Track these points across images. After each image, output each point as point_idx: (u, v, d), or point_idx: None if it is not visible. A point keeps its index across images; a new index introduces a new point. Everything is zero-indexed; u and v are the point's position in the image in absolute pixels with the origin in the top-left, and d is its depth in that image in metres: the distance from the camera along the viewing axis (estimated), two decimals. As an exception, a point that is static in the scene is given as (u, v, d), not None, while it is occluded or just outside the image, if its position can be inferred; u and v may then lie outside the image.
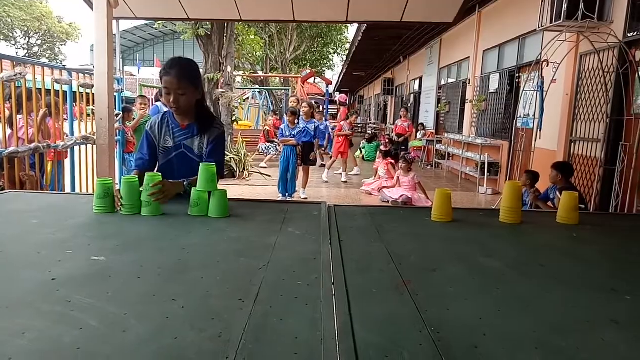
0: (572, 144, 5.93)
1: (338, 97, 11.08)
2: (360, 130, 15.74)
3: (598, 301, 1.16)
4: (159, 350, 0.84)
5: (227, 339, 0.88)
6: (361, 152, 12.78)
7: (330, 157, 9.64)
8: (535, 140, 5.85)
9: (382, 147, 9.20)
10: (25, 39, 40.80)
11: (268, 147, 11.39)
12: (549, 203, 4.54)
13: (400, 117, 12.15)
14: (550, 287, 1.23)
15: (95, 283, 1.14)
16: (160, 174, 1.96)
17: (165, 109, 7.56)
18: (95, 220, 1.80)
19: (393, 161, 7.74)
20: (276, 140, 10.78)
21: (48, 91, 4.37)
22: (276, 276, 1.23)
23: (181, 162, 2.19)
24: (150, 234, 1.63)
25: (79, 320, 0.94)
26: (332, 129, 9.72)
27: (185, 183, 2.07)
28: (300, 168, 6.81)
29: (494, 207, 4.46)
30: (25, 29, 39.31)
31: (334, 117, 18.72)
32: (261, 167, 9.69)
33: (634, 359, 0.88)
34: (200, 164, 1.92)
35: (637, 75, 4.77)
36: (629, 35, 4.90)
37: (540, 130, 5.71)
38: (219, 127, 2.24)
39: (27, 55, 38.79)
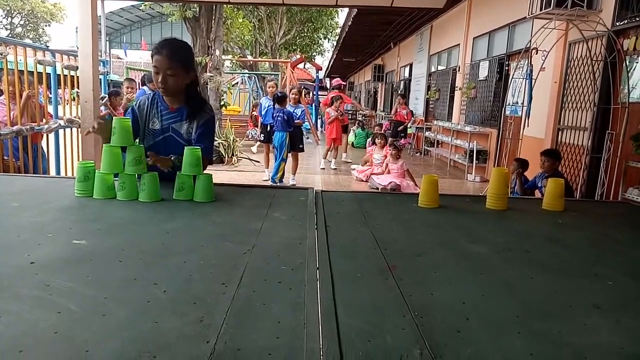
0: (560, 132, 5.97)
1: (333, 80, 10.91)
2: (350, 117, 15.66)
3: (581, 286, 1.16)
4: (139, 334, 0.82)
5: (208, 323, 0.87)
6: (355, 136, 12.77)
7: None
8: (524, 128, 5.87)
9: (377, 131, 9.18)
10: (7, 19, 39.80)
11: (257, 132, 11.31)
12: (537, 191, 4.58)
13: (400, 104, 11.94)
14: (535, 272, 1.24)
15: (75, 267, 1.12)
16: (142, 145, 1.92)
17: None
18: (77, 203, 1.76)
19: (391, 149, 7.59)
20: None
21: (31, 73, 4.27)
22: (260, 261, 1.22)
23: (168, 146, 2.14)
24: (133, 218, 1.61)
25: (57, 304, 0.92)
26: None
27: (173, 158, 2.01)
28: (290, 154, 6.81)
29: (481, 194, 4.49)
30: (8, 8, 38.31)
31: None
32: (252, 152, 9.64)
33: (615, 342, 0.89)
34: (185, 147, 1.89)
35: (624, 64, 4.80)
36: (617, 24, 4.91)
37: (528, 118, 5.73)
38: (209, 112, 2.21)
39: (10, 35, 37.87)
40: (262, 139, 7.56)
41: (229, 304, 0.95)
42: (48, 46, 5.51)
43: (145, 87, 6.90)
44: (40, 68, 4.37)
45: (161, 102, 2.17)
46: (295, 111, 6.87)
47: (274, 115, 6.61)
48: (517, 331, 0.90)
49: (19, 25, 40.54)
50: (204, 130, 2.16)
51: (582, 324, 0.95)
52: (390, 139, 8.93)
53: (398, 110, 11.74)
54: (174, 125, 2.15)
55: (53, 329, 0.83)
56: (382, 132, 9.04)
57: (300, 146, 6.99)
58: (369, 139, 9.79)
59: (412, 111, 12.13)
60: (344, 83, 11.01)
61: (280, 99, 6.66)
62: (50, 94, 4.83)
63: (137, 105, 2.19)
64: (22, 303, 0.92)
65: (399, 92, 15.13)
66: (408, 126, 11.86)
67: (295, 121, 6.74)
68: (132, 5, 38.95)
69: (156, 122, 2.16)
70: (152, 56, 2.05)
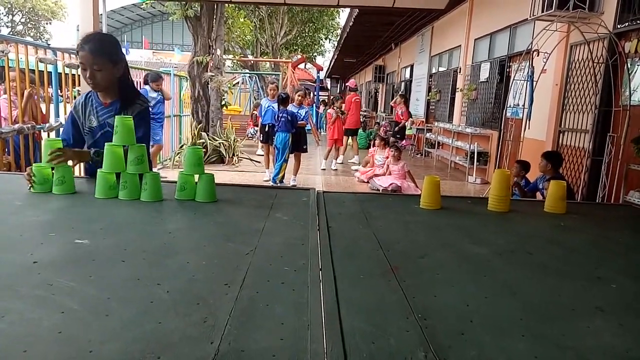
0: (561, 134, 5.97)
1: (349, 82, 10.89)
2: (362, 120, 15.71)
3: (584, 289, 1.16)
4: (142, 334, 0.82)
5: (212, 324, 0.87)
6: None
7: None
8: (525, 130, 5.87)
9: (380, 134, 9.17)
10: (8, 17, 39.77)
11: (257, 131, 11.30)
12: (538, 193, 4.58)
13: (396, 103, 11.89)
14: (537, 274, 1.24)
15: (78, 266, 1.12)
16: (60, 139, 1.91)
17: (153, 94, 7.46)
18: (80, 202, 1.76)
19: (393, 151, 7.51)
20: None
21: (32, 71, 4.27)
22: (263, 261, 1.22)
23: (107, 141, 2.06)
24: (135, 217, 1.61)
25: (60, 304, 0.92)
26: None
27: (91, 152, 2.01)
28: (292, 154, 6.82)
29: (482, 196, 4.49)
30: (9, 5, 38.29)
31: (324, 104, 18.62)
32: (257, 155, 9.63)
33: (618, 345, 0.89)
34: (188, 148, 1.88)
35: (625, 67, 4.80)
36: (619, 26, 4.91)
37: (529, 120, 5.73)
38: (141, 103, 2.18)
39: (11, 33, 37.85)
40: (261, 139, 7.58)
41: (232, 305, 0.95)
42: (49, 44, 5.50)
43: (147, 87, 6.90)
44: (41, 66, 4.37)
45: (95, 98, 2.16)
46: (299, 112, 6.88)
47: (278, 115, 6.61)
48: (521, 334, 0.90)
49: (20, 23, 40.52)
50: (137, 122, 2.05)
51: (585, 326, 0.95)
52: (391, 140, 8.91)
53: (395, 109, 11.75)
54: (109, 121, 2.12)
55: (56, 329, 0.83)
56: (384, 133, 9.02)
57: (304, 147, 7.00)
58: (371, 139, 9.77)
59: (408, 111, 12.05)
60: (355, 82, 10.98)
61: (284, 99, 6.67)
62: (51, 92, 4.82)
63: (73, 107, 2.19)
64: (25, 302, 0.92)
65: (400, 92, 15.13)
66: (407, 127, 11.80)
67: (299, 122, 6.75)
68: (133, 4, 38.98)
69: (93, 119, 2.15)
70: (77, 53, 2.04)
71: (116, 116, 1.89)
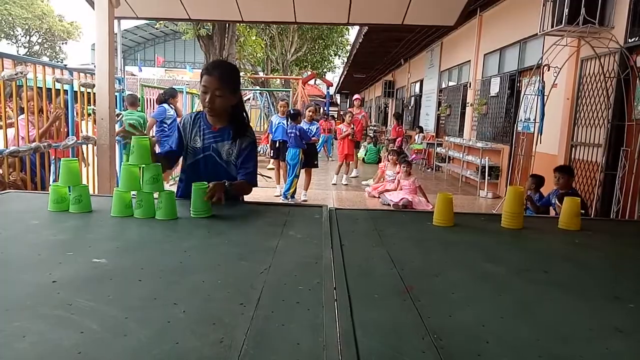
0: (573, 148, 5.93)
1: (354, 98, 11.24)
2: (365, 133, 15.85)
3: (602, 309, 1.15)
4: (160, 355, 0.83)
5: (228, 345, 0.87)
6: (365, 153, 12.82)
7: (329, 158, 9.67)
8: (536, 145, 5.84)
9: (396, 149, 9.21)
10: (26, 37, 40.80)
11: (269, 146, 11.35)
12: (551, 208, 4.54)
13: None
14: (554, 294, 1.23)
15: (96, 286, 1.14)
16: (206, 183, 1.90)
17: (171, 112, 7.56)
18: (96, 221, 1.79)
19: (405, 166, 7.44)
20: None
21: (57, 91, 4.37)
22: (277, 280, 1.22)
23: (207, 165, 2.21)
24: (151, 236, 1.63)
25: (79, 324, 0.93)
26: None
27: (226, 184, 2.03)
28: (303, 170, 6.85)
29: (494, 212, 4.45)
30: (27, 27, 39.30)
31: (333, 118, 18.75)
32: (268, 169, 9.68)
33: (638, 368, 0.87)
34: (134, 137, 1.91)
35: (637, 81, 4.78)
36: (630, 40, 4.90)
37: (541, 135, 5.71)
38: (250, 136, 2.26)
39: (28, 53, 38.78)
40: (272, 155, 7.63)
41: (248, 325, 0.95)
42: (66, 64, 5.63)
43: (165, 105, 7.00)
44: (57, 85, 4.47)
45: (204, 121, 2.23)
46: (310, 128, 6.93)
47: (288, 131, 6.67)
48: (538, 355, 0.89)
49: (37, 43, 41.53)
50: (249, 153, 2.22)
51: (603, 348, 0.94)
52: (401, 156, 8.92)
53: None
54: (214, 145, 2.21)
55: (76, 349, 0.84)
56: (396, 148, 9.01)
57: (315, 162, 7.05)
58: (382, 154, 9.80)
59: (402, 127, 12.57)
60: (359, 97, 11.21)
61: (294, 115, 6.73)
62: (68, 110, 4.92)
63: (182, 123, 2.26)
64: (45, 322, 0.94)
65: (403, 107, 15.36)
66: (416, 141, 12.01)
67: (311, 138, 6.80)
68: (146, 23, 39.75)
69: (198, 140, 2.22)
70: (201, 76, 2.12)
71: (133, 137, 1.93)
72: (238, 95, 2.22)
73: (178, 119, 6.97)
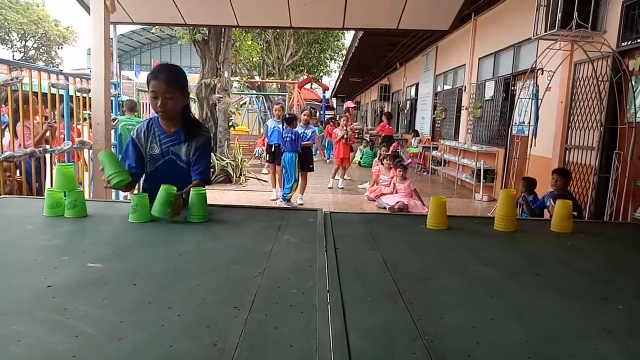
0: (567, 151, 5.97)
1: (346, 103, 11.31)
2: (357, 136, 15.87)
3: (591, 310, 1.17)
4: (155, 358, 0.84)
5: (222, 347, 0.88)
6: (361, 157, 12.84)
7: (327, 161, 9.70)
8: (531, 148, 5.88)
9: (384, 152, 9.20)
10: (21, 42, 40.68)
11: (264, 150, 11.36)
12: (546, 210, 4.56)
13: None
14: (545, 296, 1.24)
15: (91, 290, 1.15)
16: (175, 187, 1.90)
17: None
18: (91, 226, 1.80)
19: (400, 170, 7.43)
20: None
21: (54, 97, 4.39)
22: (271, 284, 1.23)
23: (169, 169, 2.19)
24: (146, 240, 1.64)
25: (74, 328, 0.94)
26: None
27: (184, 195, 2.01)
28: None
29: (489, 215, 4.48)
30: (22, 32, 39.18)
31: (327, 122, 18.80)
32: (263, 173, 9.70)
33: (626, 368, 0.89)
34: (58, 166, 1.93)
35: (630, 84, 4.82)
36: (622, 44, 4.96)
37: (535, 138, 5.75)
38: (204, 134, 2.25)
39: (24, 58, 38.68)
40: (267, 159, 7.64)
41: (242, 328, 0.96)
42: (62, 69, 5.63)
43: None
44: (53, 90, 4.47)
45: (157, 126, 2.21)
46: (305, 132, 6.94)
47: (284, 136, 6.68)
48: (527, 356, 0.91)
49: (32, 48, 41.43)
50: (202, 152, 2.20)
51: (592, 349, 0.96)
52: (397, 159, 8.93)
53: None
54: (172, 149, 2.20)
55: (71, 353, 0.85)
56: (390, 153, 9.01)
57: (311, 166, 7.05)
58: (375, 158, 9.80)
59: (390, 127, 12.46)
60: (352, 105, 11.30)
61: (289, 119, 6.75)
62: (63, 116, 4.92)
63: (135, 134, 2.23)
64: (41, 326, 0.94)
65: (400, 110, 15.34)
66: (413, 145, 11.95)
67: (305, 142, 6.81)
68: (142, 28, 39.76)
69: (155, 147, 2.20)
70: (148, 81, 2.11)
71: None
72: (187, 96, 2.21)
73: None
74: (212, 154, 8.84)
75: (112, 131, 5.32)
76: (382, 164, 7.86)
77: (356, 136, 11.51)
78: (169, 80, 2.08)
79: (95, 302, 1.07)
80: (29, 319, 0.98)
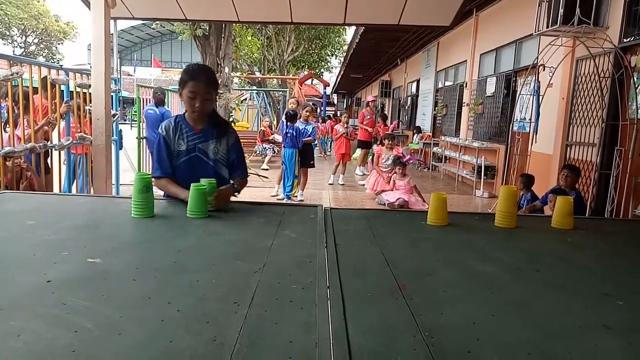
0: (568, 148, 5.96)
1: (368, 98, 11.46)
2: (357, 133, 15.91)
3: (591, 306, 1.16)
4: (155, 353, 0.84)
5: (221, 343, 0.88)
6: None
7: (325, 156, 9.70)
8: (532, 144, 5.87)
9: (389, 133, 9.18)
10: (22, 38, 40.63)
11: (265, 148, 11.38)
12: (546, 207, 4.56)
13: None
14: (545, 292, 1.24)
15: (90, 285, 1.14)
16: (214, 179, 2.00)
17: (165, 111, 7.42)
18: (91, 221, 1.80)
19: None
20: (274, 137, 10.90)
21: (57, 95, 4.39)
22: (271, 279, 1.23)
23: (195, 165, 2.25)
24: (146, 235, 1.63)
25: (74, 323, 0.94)
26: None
27: (235, 185, 2.20)
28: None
29: (489, 211, 4.48)
30: (22, 27, 39.12)
31: (329, 118, 18.79)
32: (262, 169, 9.69)
33: (626, 364, 0.89)
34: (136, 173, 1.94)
35: (632, 81, 4.81)
36: (624, 40, 4.93)
37: (536, 134, 5.74)
38: (233, 132, 2.36)
39: (24, 53, 38.63)
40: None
41: (242, 324, 0.96)
42: (62, 65, 5.62)
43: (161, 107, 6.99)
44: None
45: (185, 124, 2.26)
46: (305, 128, 6.91)
47: (285, 132, 6.67)
48: (527, 352, 0.91)
49: (32, 43, 41.37)
50: (239, 150, 2.33)
51: (592, 345, 0.96)
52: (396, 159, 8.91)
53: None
54: (200, 146, 2.25)
55: (71, 348, 0.85)
56: (391, 132, 8.97)
57: (311, 162, 7.05)
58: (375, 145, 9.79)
59: (387, 127, 12.56)
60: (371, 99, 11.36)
61: (291, 116, 6.73)
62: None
63: (164, 132, 2.26)
64: (40, 321, 0.94)
65: (400, 106, 15.35)
66: (413, 141, 11.93)
67: (306, 138, 6.79)
68: (142, 23, 39.66)
69: (182, 143, 2.25)
70: (185, 82, 2.15)
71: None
72: (217, 95, 2.32)
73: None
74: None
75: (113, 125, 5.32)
76: (383, 144, 7.80)
77: (356, 132, 11.49)
78: (208, 82, 2.17)
79: (95, 298, 1.07)
80: (29, 314, 0.98)
